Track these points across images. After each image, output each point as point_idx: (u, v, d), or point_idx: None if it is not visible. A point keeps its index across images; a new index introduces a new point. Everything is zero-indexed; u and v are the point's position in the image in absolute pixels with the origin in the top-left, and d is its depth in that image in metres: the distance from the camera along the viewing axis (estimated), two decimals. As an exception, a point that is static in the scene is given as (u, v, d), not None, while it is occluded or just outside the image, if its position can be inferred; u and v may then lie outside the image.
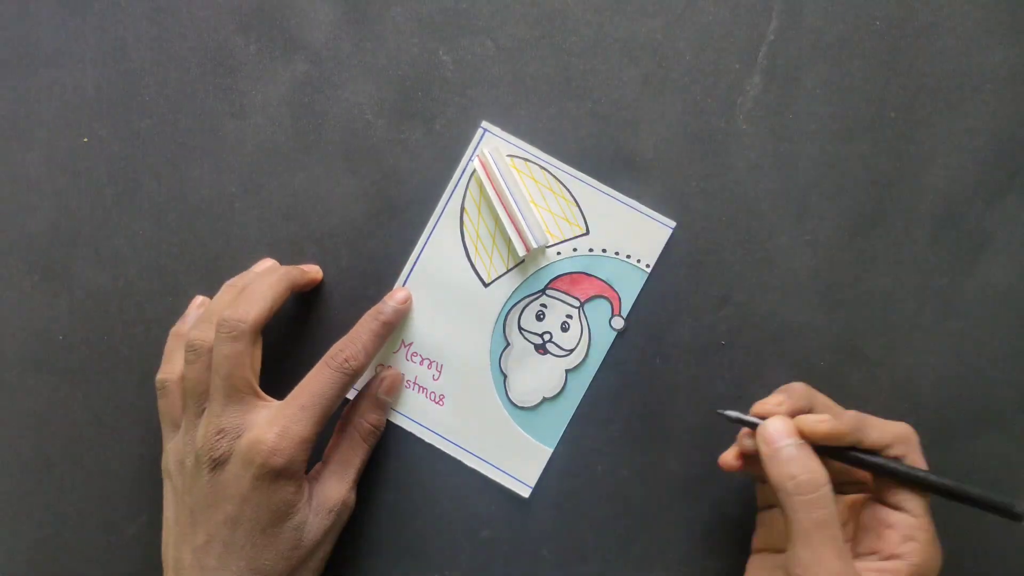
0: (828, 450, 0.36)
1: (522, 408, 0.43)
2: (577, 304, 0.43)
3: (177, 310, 0.44)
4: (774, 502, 0.37)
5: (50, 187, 0.45)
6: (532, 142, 0.44)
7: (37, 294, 0.45)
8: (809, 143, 0.43)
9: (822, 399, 0.38)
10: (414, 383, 0.44)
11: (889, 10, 0.43)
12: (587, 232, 0.43)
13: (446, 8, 0.44)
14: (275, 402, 0.39)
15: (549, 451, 0.43)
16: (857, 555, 0.36)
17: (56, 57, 0.45)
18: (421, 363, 0.44)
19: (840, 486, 0.36)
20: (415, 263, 0.44)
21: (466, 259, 0.44)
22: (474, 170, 0.43)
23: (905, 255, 0.43)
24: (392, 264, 0.44)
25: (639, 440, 0.43)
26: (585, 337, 0.43)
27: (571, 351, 0.43)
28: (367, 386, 0.43)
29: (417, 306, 0.44)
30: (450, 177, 0.44)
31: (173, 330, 0.42)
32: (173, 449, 0.40)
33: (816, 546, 0.33)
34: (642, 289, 0.43)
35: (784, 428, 0.35)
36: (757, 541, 0.41)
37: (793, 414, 0.36)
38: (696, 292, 0.43)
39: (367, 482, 0.43)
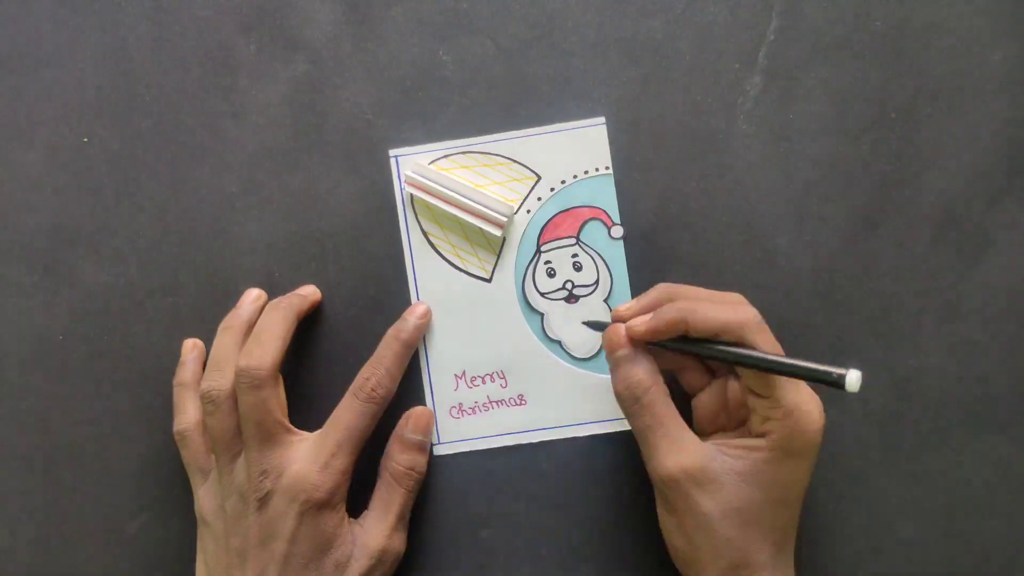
0: (656, 347, 0.38)
1: (592, 358, 0.43)
2: (573, 240, 0.43)
3: (177, 310, 0.44)
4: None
5: (50, 187, 0.45)
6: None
7: (37, 293, 0.45)
8: (809, 143, 0.43)
9: (683, 291, 0.39)
10: (489, 402, 0.43)
11: (889, 10, 0.43)
12: (538, 177, 0.44)
13: (446, 8, 0.44)
14: (308, 435, 0.40)
15: None
16: (735, 432, 0.38)
17: (56, 57, 0.45)
18: (483, 382, 0.44)
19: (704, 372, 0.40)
20: (418, 297, 0.44)
21: (458, 271, 0.44)
22: (411, 195, 0.43)
23: (905, 256, 0.43)
24: (392, 264, 0.44)
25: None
26: (599, 263, 0.43)
27: (596, 282, 0.43)
28: (395, 430, 0.43)
29: (445, 335, 0.44)
30: (395, 215, 0.44)
31: (176, 381, 0.43)
32: (207, 495, 0.41)
33: (652, 446, 0.36)
34: (617, 191, 0.43)
35: (615, 338, 0.38)
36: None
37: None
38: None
39: (368, 485, 0.43)
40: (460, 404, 0.44)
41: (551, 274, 0.43)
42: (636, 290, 0.43)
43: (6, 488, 0.44)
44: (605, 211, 0.43)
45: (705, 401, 0.40)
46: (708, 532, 0.35)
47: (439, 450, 0.44)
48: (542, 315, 0.44)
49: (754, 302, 0.43)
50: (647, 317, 0.37)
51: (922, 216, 0.43)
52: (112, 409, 0.44)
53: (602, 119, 0.43)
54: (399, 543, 0.41)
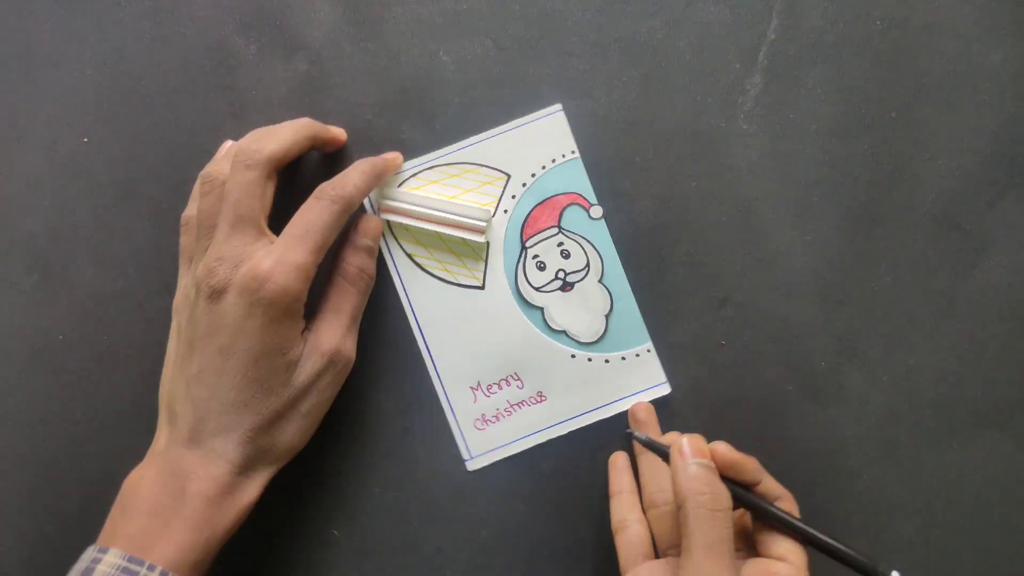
0: (729, 482, 0.36)
1: (600, 340, 0.43)
2: (556, 229, 0.43)
3: (177, 310, 0.44)
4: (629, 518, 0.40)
5: (50, 187, 0.45)
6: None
7: (37, 294, 0.45)
8: (809, 143, 0.43)
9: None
10: (510, 406, 0.43)
11: (889, 10, 0.43)
12: (508, 175, 0.44)
13: (446, 8, 0.44)
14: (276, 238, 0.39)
15: (649, 344, 0.43)
16: None
17: (56, 57, 0.45)
18: (499, 388, 0.43)
19: None
20: (417, 324, 0.44)
21: (450, 285, 0.44)
22: (387, 221, 0.43)
23: (905, 255, 0.43)
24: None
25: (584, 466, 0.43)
26: (586, 246, 0.43)
27: (586, 265, 0.43)
28: (346, 234, 0.42)
29: (452, 349, 0.43)
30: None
31: (202, 171, 0.42)
32: (182, 284, 0.40)
33: (715, 559, 0.33)
34: (588, 172, 0.43)
35: (698, 447, 0.36)
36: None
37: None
38: (696, 292, 0.43)
39: (368, 482, 0.43)
40: (483, 415, 0.43)
41: (541, 267, 0.44)
42: (628, 266, 0.43)
43: (6, 488, 0.44)
44: (580, 194, 0.43)
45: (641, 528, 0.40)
46: None
47: (473, 465, 0.43)
48: (541, 309, 0.44)
49: (754, 301, 0.43)
50: (730, 448, 0.36)
51: (922, 216, 0.43)
52: (112, 409, 0.44)
53: (558, 106, 0.43)
54: (351, 346, 0.40)
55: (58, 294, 0.44)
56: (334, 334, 0.39)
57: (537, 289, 0.44)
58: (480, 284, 0.44)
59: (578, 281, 0.43)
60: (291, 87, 0.44)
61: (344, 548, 0.43)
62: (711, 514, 0.34)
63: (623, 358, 0.43)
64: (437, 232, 0.43)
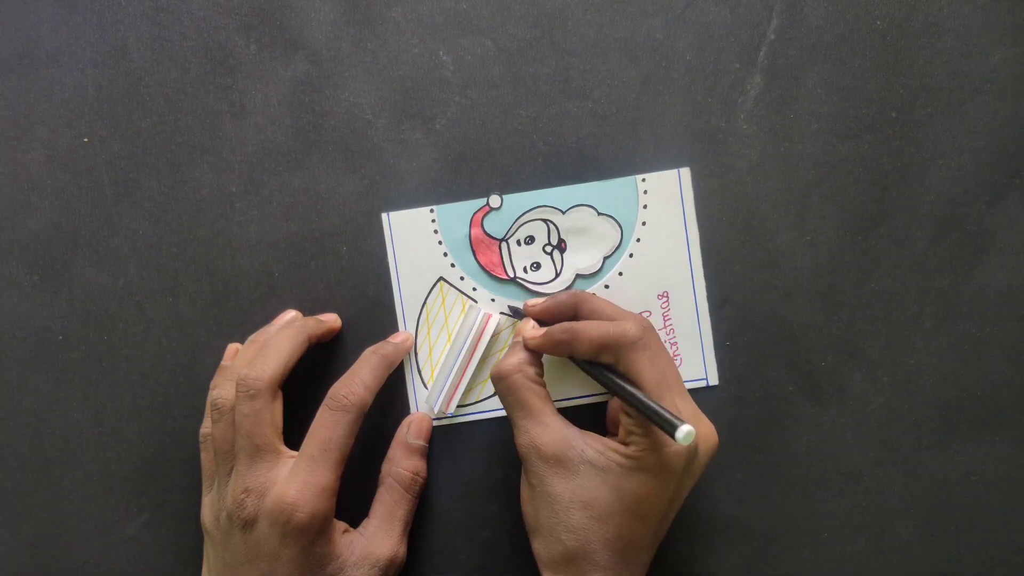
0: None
1: (623, 226, 0.43)
2: (502, 244, 0.44)
3: (177, 310, 0.44)
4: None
5: (50, 187, 0.45)
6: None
7: (37, 293, 0.45)
8: (810, 143, 0.43)
9: (590, 307, 0.41)
10: (667, 332, 0.43)
11: (889, 10, 0.43)
12: (440, 277, 0.44)
13: (446, 8, 0.44)
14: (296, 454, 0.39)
15: (639, 175, 0.43)
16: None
17: (56, 56, 0.45)
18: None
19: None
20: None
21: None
22: (458, 405, 0.43)
23: (906, 255, 0.43)
24: (391, 265, 0.44)
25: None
26: (523, 218, 0.43)
27: (544, 221, 0.44)
28: (396, 435, 0.43)
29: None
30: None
31: (211, 384, 0.42)
32: (208, 504, 0.41)
33: (512, 424, 0.39)
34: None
35: (519, 331, 0.41)
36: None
37: (551, 317, 0.42)
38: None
39: (369, 484, 0.43)
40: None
41: (536, 268, 0.44)
42: (556, 177, 0.44)
43: (6, 488, 0.44)
44: (473, 212, 0.44)
45: (612, 405, 0.42)
46: (552, 511, 0.37)
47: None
48: (579, 278, 0.44)
49: (755, 302, 0.43)
50: (539, 332, 0.40)
51: (922, 216, 0.43)
52: (112, 409, 0.44)
53: (383, 214, 0.43)
54: (404, 552, 0.40)
55: (58, 293, 0.44)
56: (390, 543, 0.39)
57: (557, 276, 0.44)
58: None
59: (559, 235, 0.44)
60: (291, 87, 0.44)
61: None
62: (500, 385, 0.39)
63: (644, 206, 0.43)
64: (481, 359, 0.43)
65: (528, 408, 0.38)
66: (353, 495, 0.41)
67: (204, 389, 0.43)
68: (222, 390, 0.40)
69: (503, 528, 0.43)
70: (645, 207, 0.43)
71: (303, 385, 0.43)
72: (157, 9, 0.45)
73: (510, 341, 0.43)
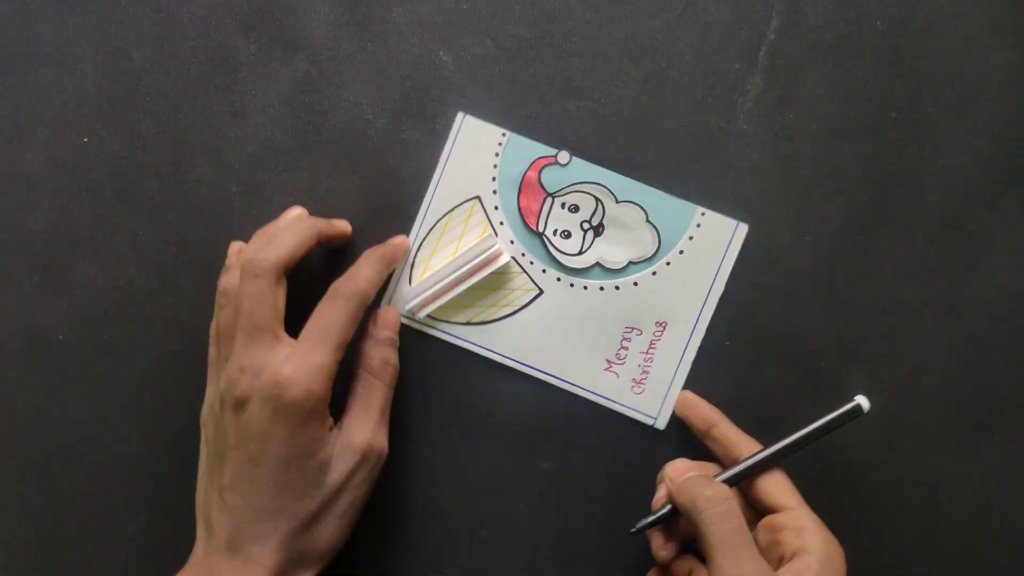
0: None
1: (660, 244, 0.43)
2: (548, 199, 0.43)
3: (177, 310, 0.44)
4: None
5: (50, 186, 0.45)
6: (537, 138, 0.44)
7: (37, 293, 0.45)
8: (810, 143, 0.43)
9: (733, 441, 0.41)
10: (645, 354, 0.43)
11: (890, 10, 0.43)
12: (476, 195, 0.44)
13: (446, 8, 0.44)
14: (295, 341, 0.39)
15: (700, 208, 0.43)
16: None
17: (56, 56, 0.45)
18: (626, 347, 0.43)
19: None
20: (522, 363, 0.43)
21: (517, 315, 0.44)
22: (427, 315, 0.43)
23: (906, 256, 0.43)
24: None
25: (636, 440, 0.43)
26: (581, 187, 0.43)
27: (596, 201, 0.43)
28: (365, 331, 0.42)
29: (570, 356, 0.43)
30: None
31: (218, 284, 0.42)
32: (208, 396, 0.41)
33: (733, 553, 0.35)
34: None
35: (683, 466, 0.40)
36: None
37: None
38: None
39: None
40: (632, 380, 0.43)
41: (566, 236, 0.43)
42: (631, 174, 0.43)
43: (6, 488, 0.44)
44: (540, 156, 0.43)
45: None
46: None
47: (660, 423, 0.43)
48: (597, 264, 0.43)
49: (755, 302, 0.43)
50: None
51: (922, 216, 0.43)
52: (112, 409, 0.44)
53: (461, 113, 0.43)
54: (383, 440, 0.40)
55: (58, 294, 0.45)
56: (365, 429, 0.39)
57: (579, 254, 0.43)
58: (537, 291, 0.44)
59: (602, 218, 0.43)
60: (291, 87, 0.44)
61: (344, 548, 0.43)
62: (717, 510, 0.36)
63: (691, 238, 0.43)
64: (471, 286, 0.43)
65: (750, 546, 0.36)
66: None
67: (204, 390, 0.43)
68: (230, 276, 0.40)
69: (503, 528, 0.43)
70: (691, 238, 0.43)
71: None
72: (157, 9, 0.45)
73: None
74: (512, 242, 0.44)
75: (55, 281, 0.45)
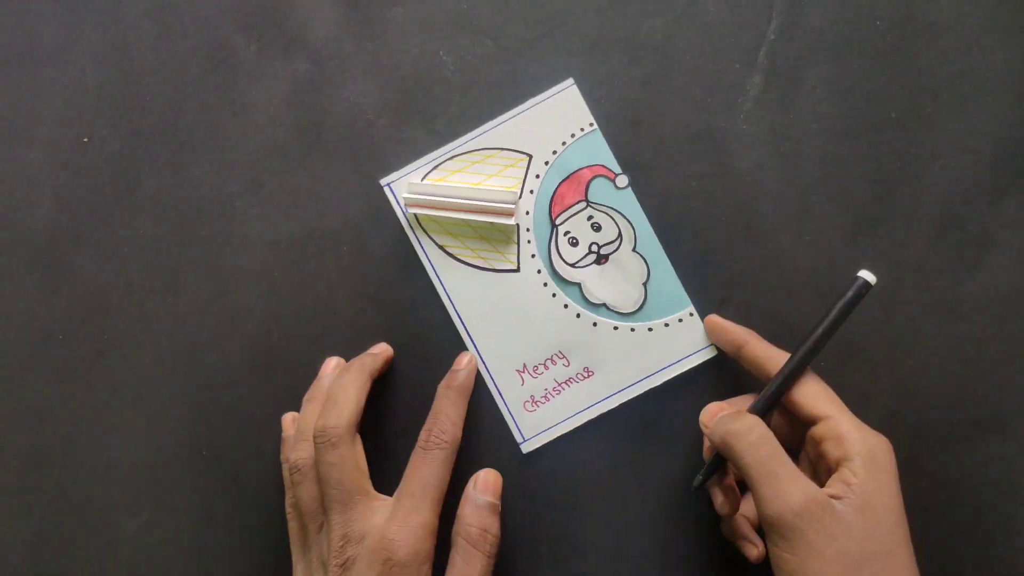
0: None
1: (640, 309, 0.43)
2: (583, 203, 0.43)
3: (177, 310, 0.44)
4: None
5: (51, 185, 0.45)
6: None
7: (37, 292, 0.45)
8: (810, 143, 0.43)
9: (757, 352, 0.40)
10: (558, 384, 0.43)
11: (890, 10, 0.43)
12: (529, 155, 0.44)
13: (447, 8, 0.44)
14: (390, 499, 0.39)
15: (690, 308, 0.43)
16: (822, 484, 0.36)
17: (57, 55, 0.45)
18: (546, 368, 0.43)
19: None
20: (457, 314, 0.44)
21: (485, 272, 0.44)
22: (415, 215, 0.43)
23: (907, 256, 0.43)
24: (393, 264, 0.44)
25: (636, 441, 0.43)
26: (615, 216, 0.43)
27: (619, 236, 0.43)
28: (464, 493, 0.40)
29: (494, 335, 0.43)
30: (408, 246, 0.44)
31: (282, 458, 0.42)
32: (299, 571, 0.40)
33: (771, 478, 0.34)
34: (608, 142, 0.43)
35: (716, 408, 0.40)
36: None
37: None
38: (696, 293, 0.43)
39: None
40: (531, 396, 0.43)
41: (574, 243, 0.43)
42: (660, 233, 0.43)
43: (5, 487, 0.44)
44: (604, 166, 0.43)
45: (738, 522, 0.40)
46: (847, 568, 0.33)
47: (527, 447, 0.43)
48: (579, 285, 0.43)
49: (755, 302, 0.43)
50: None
51: (923, 215, 0.43)
52: (112, 409, 0.44)
53: (570, 80, 0.43)
54: None
55: (59, 291, 0.45)
56: None
57: (572, 265, 0.44)
58: (515, 267, 0.44)
59: (612, 252, 0.43)
60: (291, 87, 0.44)
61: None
62: (749, 440, 0.36)
63: (666, 324, 0.43)
64: (466, 220, 0.43)
65: (785, 458, 0.35)
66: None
67: (204, 389, 0.43)
68: (299, 452, 0.40)
69: (503, 528, 0.43)
70: (666, 325, 0.43)
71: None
72: (158, 8, 0.45)
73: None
74: (527, 213, 0.44)
75: (56, 279, 0.45)
